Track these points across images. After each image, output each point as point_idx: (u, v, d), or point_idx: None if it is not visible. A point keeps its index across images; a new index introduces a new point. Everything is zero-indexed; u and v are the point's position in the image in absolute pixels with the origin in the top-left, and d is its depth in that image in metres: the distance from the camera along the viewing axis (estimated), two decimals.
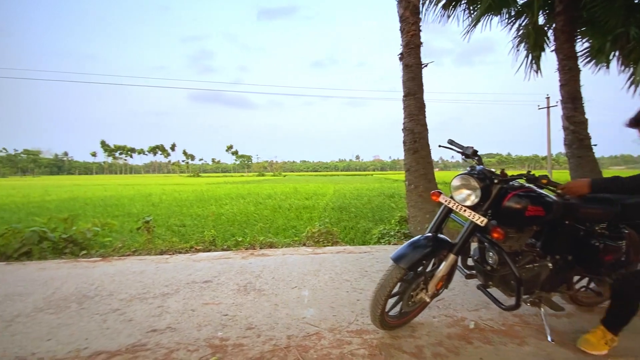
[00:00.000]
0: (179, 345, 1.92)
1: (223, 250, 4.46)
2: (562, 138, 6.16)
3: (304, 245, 4.65)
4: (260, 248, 4.43)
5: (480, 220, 1.73)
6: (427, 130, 5.55)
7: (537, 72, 7.54)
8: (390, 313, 2.02)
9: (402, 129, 5.61)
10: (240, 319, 2.27)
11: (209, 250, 4.43)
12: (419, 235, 1.93)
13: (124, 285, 2.95)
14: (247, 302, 2.54)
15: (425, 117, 5.57)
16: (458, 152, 2.05)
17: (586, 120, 5.96)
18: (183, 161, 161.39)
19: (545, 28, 7.13)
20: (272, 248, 4.45)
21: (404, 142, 5.56)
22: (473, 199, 1.79)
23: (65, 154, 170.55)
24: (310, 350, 1.86)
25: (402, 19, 5.54)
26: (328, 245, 4.51)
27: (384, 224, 6.20)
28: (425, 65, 5.70)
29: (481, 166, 1.93)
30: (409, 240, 1.90)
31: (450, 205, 1.90)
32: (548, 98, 24.45)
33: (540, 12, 6.96)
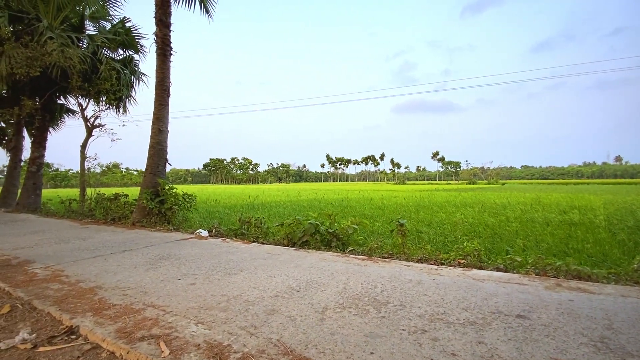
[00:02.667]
0: None
1: (498, 269, 3.47)
2: None
3: (636, 283, 2.91)
4: (564, 277, 3.10)
5: None
6: None
7: None
8: None
9: None
10: None
11: (480, 268, 3.56)
12: None
13: (410, 297, 2.55)
14: None
15: None
16: None
17: None
18: (390, 169, 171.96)
19: None
20: (583, 280, 3.01)
21: None
22: None
23: (304, 166, 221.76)
24: None
25: None
26: None
27: None
28: None
29: None
30: None
31: None
32: None
33: None
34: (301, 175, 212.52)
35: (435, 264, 3.71)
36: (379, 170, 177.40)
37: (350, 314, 2.22)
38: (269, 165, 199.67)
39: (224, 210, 11.20)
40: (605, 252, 4.82)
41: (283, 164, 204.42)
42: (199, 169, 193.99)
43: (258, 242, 5.08)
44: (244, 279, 3.04)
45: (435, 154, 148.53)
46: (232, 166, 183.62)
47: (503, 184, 74.78)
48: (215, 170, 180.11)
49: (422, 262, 3.84)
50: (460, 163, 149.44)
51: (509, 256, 3.75)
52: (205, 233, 5.87)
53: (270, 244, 4.95)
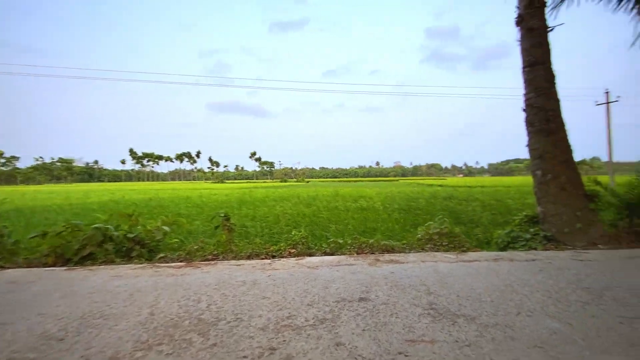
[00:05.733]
0: None
1: (325, 254, 3.49)
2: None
3: (422, 250, 3.62)
4: (378, 252, 3.42)
5: None
6: (560, 106, 4.42)
7: None
8: None
9: (525, 107, 4.52)
10: None
11: (310, 255, 3.47)
12: None
13: (247, 305, 2.00)
14: (476, 340, 1.53)
15: (557, 91, 4.45)
16: None
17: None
18: (208, 168, 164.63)
19: None
20: (393, 253, 3.43)
21: (531, 123, 4.43)
22: None
23: (96, 162, 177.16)
24: None
25: None
26: (465, 251, 3.44)
27: (499, 226, 5.06)
28: (552, 29, 4.60)
29: None
30: None
31: None
32: (607, 93, 22.12)
33: None
34: (92, 174, 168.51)
35: (267, 258, 3.34)
36: (195, 168, 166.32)
37: (161, 356, 1.43)
38: (37, 160, 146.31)
39: None
40: (390, 228, 6.00)
41: (62, 159, 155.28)
42: None
43: None
44: None
45: (253, 154, 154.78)
46: None
47: (308, 181, 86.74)
48: None
49: (253, 258, 3.39)
50: (274, 163, 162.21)
51: (331, 240, 3.89)
52: None
53: (18, 267, 3.15)
